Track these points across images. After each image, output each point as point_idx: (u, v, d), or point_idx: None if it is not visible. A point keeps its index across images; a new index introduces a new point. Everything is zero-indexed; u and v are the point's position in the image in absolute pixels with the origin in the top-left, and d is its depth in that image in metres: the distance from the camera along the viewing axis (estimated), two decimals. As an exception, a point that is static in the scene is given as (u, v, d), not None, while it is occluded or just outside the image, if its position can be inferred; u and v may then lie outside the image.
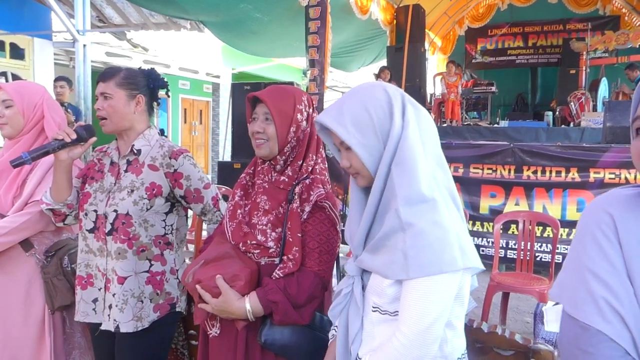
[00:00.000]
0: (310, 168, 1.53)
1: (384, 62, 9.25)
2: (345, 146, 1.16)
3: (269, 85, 5.71)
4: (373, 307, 1.17)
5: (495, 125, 8.08)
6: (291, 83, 5.73)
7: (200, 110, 15.15)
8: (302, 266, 1.45)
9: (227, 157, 7.43)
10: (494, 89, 10.12)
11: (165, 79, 1.94)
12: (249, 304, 1.41)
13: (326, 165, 1.59)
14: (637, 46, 9.01)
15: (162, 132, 1.97)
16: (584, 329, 0.82)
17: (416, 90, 8.76)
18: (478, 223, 5.22)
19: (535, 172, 5.00)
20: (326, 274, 1.40)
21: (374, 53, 10.35)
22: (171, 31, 7.86)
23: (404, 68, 8.49)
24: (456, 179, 5.40)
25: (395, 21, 9.12)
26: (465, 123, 8.90)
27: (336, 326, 1.31)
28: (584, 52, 8.88)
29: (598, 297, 0.81)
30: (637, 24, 10.79)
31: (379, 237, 1.11)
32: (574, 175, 4.81)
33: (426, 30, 10.68)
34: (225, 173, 5.69)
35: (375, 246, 1.13)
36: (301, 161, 1.54)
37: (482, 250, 5.15)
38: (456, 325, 1.15)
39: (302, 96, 1.56)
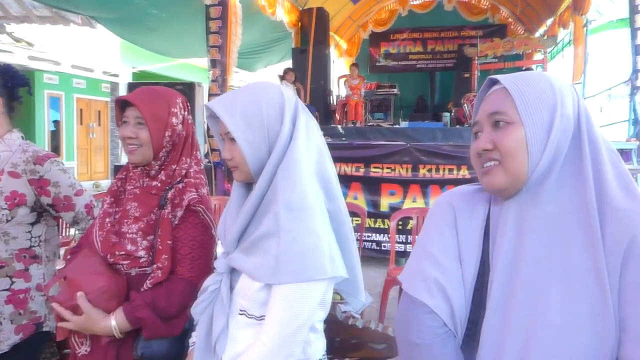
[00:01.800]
0: (184, 172, 1.48)
1: (289, 63, 9.27)
2: (230, 137, 1.15)
3: (169, 84, 5.51)
4: (240, 311, 1.16)
5: (397, 126, 8.42)
6: (195, 84, 5.55)
7: (99, 111, 14.25)
8: (173, 274, 1.38)
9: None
10: (396, 91, 10.56)
11: (26, 76, 1.77)
12: (115, 322, 1.32)
13: (202, 168, 1.54)
14: (521, 53, 9.83)
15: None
16: (413, 302, 0.95)
17: (321, 91, 8.89)
18: (379, 220, 5.40)
19: (430, 170, 5.27)
20: (197, 281, 1.34)
21: (279, 54, 10.36)
22: (59, 26, 7.29)
23: (309, 70, 8.57)
24: (357, 179, 5.60)
25: (300, 23, 9.19)
26: (369, 124, 9.17)
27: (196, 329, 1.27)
28: (476, 58, 9.51)
29: (429, 276, 0.95)
30: (521, 33, 11.81)
31: (254, 237, 1.11)
32: (464, 172, 5.12)
33: (331, 33, 10.89)
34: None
35: (249, 246, 1.12)
36: (175, 165, 1.47)
37: (384, 246, 5.34)
38: (318, 328, 1.19)
39: (176, 99, 1.50)
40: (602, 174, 0.86)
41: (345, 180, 5.64)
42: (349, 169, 5.58)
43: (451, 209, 1.00)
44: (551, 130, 0.87)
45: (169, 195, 1.42)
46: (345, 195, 5.64)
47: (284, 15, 8.43)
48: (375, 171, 5.51)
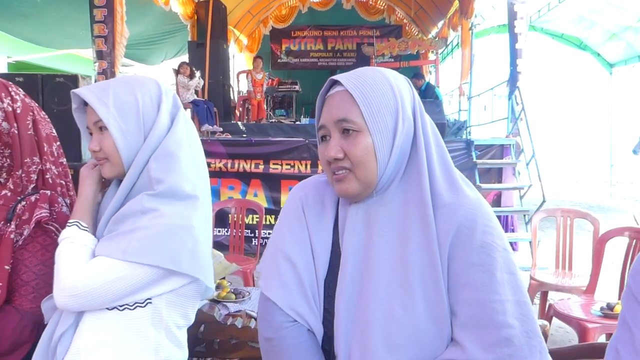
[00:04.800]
0: (34, 177, 1.23)
1: (186, 57, 8.91)
2: (99, 126, 1.08)
3: (48, 76, 4.99)
4: None
5: (297, 123, 8.45)
6: (79, 76, 5.09)
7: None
8: (7, 304, 1.15)
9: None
10: (297, 88, 10.58)
11: None
12: None
13: (65, 169, 1.31)
14: (415, 53, 10.31)
15: None
16: (266, 300, 0.97)
17: (220, 87, 8.65)
18: (280, 218, 5.35)
19: (328, 167, 5.31)
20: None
21: (176, 47, 9.94)
22: None
23: (206, 64, 8.29)
24: (257, 175, 5.51)
25: (196, 16, 8.86)
26: (271, 120, 9.10)
27: None
28: (373, 57, 9.81)
29: (282, 273, 0.96)
30: (416, 34, 12.41)
31: (115, 217, 1.05)
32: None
33: (231, 27, 10.66)
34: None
35: (109, 228, 1.06)
36: (20, 170, 1.22)
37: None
38: (176, 334, 1.11)
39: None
40: (433, 170, 0.91)
41: (245, 177, 5.54)
42: (248, 166, 5.48)
43: (300, 206, 1.01)
44: (395, 136, 0.90)
45: (19, 208, 1.18)
46: (244, 192, 5.54)
47: (178, 6, 8.08)
48: (275, 168, 5.46)
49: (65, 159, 1.33)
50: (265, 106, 9.16)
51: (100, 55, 5.79)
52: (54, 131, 1.30)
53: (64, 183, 1.30)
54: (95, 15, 5.74)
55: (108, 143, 1.07)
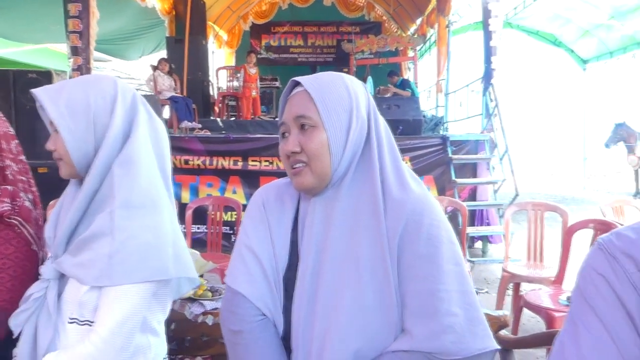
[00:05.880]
0: None
1: (165, 53, 8.82)
2: (54, 127, 1.08)
3: (20, 72, 4.90)
4: (70, 319, 1.06)
5: (277, 119, 8.42)
6: (53, 72, 5.02)
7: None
8: None
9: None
10: (277, 84, 10.57)
11: None
12: None
13: (25, 166, 1.33)
14: (394, 49, 10.38)
15: None
16: (234, 294, 1.00)
17: (199, 83, 8.60)
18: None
19: (307, 163, 5.34)
20: (9, 305, 1.15)
21: (154, 42, 9.82)
22: None
23: (185, 60, 8.22)
24: (236, 172, 5.51)
25: (174, 11, 8.78)
26: (250, 117, 9.08)
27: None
28: (353, 53, 9.85)
29: (249, 268, 1.00)
30: (395, 31, 12.49)
31: (84, 237, 1.03)
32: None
33: (210, 23, 10.58)
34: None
35: (78, 247, 1.04)
36: None
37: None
38: (158, 330, 1.13)
39: None
40: (384, 168, 0.97)
41: (224, 174, 5.53)
42: (226, 163, 5.47)
43: (262, 205, 1.06)
44: (349, 132, 0.96)
45: None
46: (223, 189, 5.53)
47: (156, 1, 7.99)
48: (254, 164, 5.46)
49: (24, 157, 1.35)
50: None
51: (75, 51, 5.71)
52: (12, 130, 1.32)
53: (25, 179, 1.32)
54: (70, 10, 5.65)
55: (60, 143, 1.07)
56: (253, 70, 8.89)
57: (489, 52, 6.06)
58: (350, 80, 1.01)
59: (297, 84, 1.00)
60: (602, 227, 2.86)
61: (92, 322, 1.04)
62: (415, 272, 0.92)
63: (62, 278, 1.10)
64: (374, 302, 0.91)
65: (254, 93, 8.90)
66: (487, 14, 6.05)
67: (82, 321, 1.05)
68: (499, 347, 0.93)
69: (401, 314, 0.92)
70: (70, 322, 1.06)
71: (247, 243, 1.03)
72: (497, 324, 1.48)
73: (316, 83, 0.97)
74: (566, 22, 10.25)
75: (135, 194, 1.04)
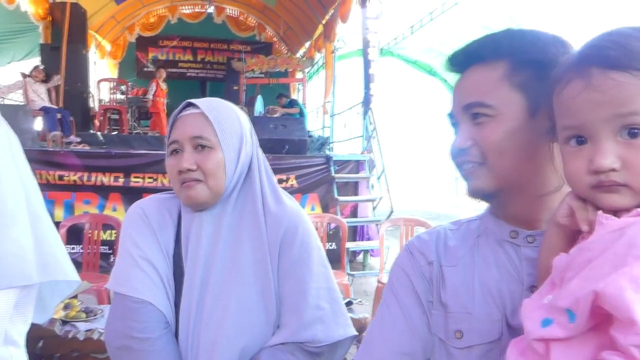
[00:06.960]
0: None
1: (39, 60, 8.20)
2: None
3: None
4: None
5: (163, 135, 8.23)
6: None
7: None
8: None
9: None
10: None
11: None
12: None
13: None
14: (284, 70, 10.66)
15: None
16: (137, 303, 1.02)
17: (78, 94, 8.11)
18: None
19: (193, 180, 5.29)
20: None
21: (25, 49, 9.08)
22: None
23: (62, 69, 7.72)
24: (117, 189, 5.30)
25: (50, 17, 8.22)
26: (136, 131, 8.75)
27: None
28: (243, 72, 9.95)
29: (151, 276, 1.03)
30: (285, 52, 12.83)
31: None
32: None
33: (92, 32, 10.05)
34: None
35: None
36: None
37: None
38: (19, 342, 1.10)
39: None
40: (263, 186, 1.12)
41: (103, 191, 5.28)
42: (106, 179, 5.24)
43: (145, 216, 1.09)
44: (240, 154, 1.08)
45: None
46: (102, 206, 5.28)
47: (28, 5, 7.44)
48: (136, 181, 5.30)
49: None
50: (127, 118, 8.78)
51: None
52: None
53: None
54: None
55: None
56: (164, 85, 8.77)
57: (367, 79, 6.53)
58: (239, 110, 1.13)
59: (189, 104, 1.08)
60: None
61: None
62: (291, 274, 1.07)
63: None
64: (258, 303, 1.04)
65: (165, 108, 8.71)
66: (366, 44, 6.53)
67: None
68: (357, 333, 1.13)
69: (279, 311, 1.06)
70: None
71: (140, 254, 1.05)
72: (358, 325, 1.66)
73: (212, 107, 1.07)
74: (439, 55, 11.32)
75: None
